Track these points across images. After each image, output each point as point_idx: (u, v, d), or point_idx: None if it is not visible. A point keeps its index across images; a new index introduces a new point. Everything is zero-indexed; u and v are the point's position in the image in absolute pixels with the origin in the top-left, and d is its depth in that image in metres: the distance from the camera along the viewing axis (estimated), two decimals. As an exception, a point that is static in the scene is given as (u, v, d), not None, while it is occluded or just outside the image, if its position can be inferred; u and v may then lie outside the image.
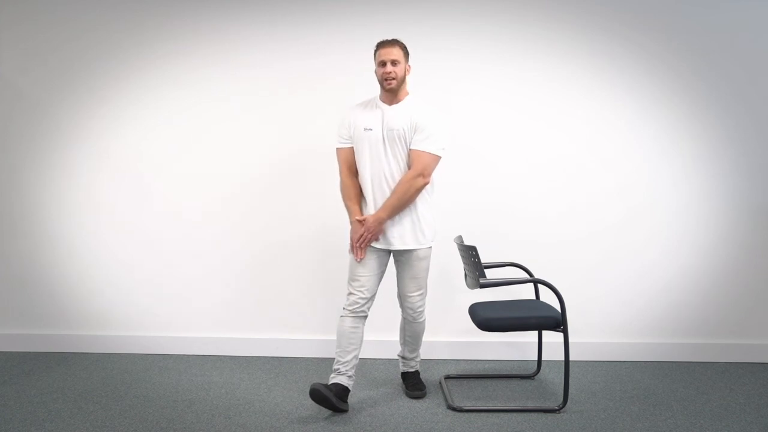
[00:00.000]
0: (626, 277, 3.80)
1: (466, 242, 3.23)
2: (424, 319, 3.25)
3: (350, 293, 3.09)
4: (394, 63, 3.00)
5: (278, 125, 3.83)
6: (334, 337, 3.12)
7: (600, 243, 3.79)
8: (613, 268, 3.79)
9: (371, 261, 3.09)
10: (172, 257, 3.92)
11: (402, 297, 3.20)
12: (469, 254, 3.06)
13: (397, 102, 3.07)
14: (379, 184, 3.05)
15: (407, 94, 3.11)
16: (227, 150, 3.86)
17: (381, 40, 3.08)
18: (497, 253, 3.55)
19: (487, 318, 3.07)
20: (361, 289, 3.07)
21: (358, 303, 3.07)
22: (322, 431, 2.86)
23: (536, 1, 3.72)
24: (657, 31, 3.70)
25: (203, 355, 3.90)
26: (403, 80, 3.05)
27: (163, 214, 3.91)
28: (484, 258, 3.10)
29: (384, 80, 3.02)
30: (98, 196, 3.93)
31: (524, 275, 3.38)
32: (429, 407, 3.13)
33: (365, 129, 3.05)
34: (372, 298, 3.12)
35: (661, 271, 3.79)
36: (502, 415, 3.03)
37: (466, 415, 3.04)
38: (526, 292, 3.49)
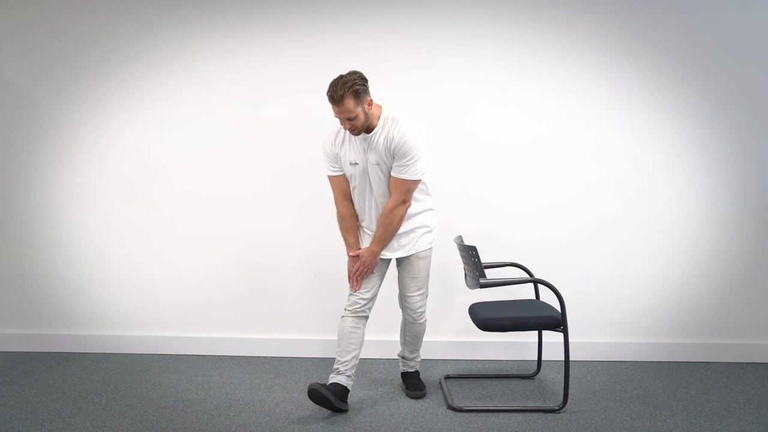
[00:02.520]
0: (626, 277, 3.79)
1: (466, 242, 3.23)
2: (425, 320, 3.25)
3: (351, 294, 3.11)
4: (349, 118, 2.86)
5: (278, 125, 3.83)
6: (334, 337, 3.12)
7: (600, 243, 3.78)
8: (613, 268, 3.79)
9: (373, 264, 3.11)
10: (172, 257, 3.92)
11: (402, 297, 3.20)
12: (469, 254, 3.06)
13: (372, 130, 2.97)
14: (369, 214, 3.08)
15: (380, 112, 2.97)
16: (227, 150, 3.86)
17: (328, 88, 2.85)
18: (497, 252, 3.55)
19: (487, 318, 3.07)
20: (362, 290, 3.08)
21: (358, 303, 3.08)
22: (322, 431, 2.86)
23: (537, 1, 3.72)
24: (658, 31, 3.70)
25: (203, 355, 3.90)
26: (366, 120, 2.90)
27: (163, 215, 3.91)
28: (484, 258, 3.10)
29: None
30: (98, 196, 3.93)
31: (524, 275, 3.38)
32: (429, 407, 3.13)
33: (351, 164, 3.03)
34: (373, 299, 3.12)
35: (661, 272, 3.79)
36: (502, 415, 3.03)
37: (466, 415, 3.04)
38: (526, 292, 3.49)
